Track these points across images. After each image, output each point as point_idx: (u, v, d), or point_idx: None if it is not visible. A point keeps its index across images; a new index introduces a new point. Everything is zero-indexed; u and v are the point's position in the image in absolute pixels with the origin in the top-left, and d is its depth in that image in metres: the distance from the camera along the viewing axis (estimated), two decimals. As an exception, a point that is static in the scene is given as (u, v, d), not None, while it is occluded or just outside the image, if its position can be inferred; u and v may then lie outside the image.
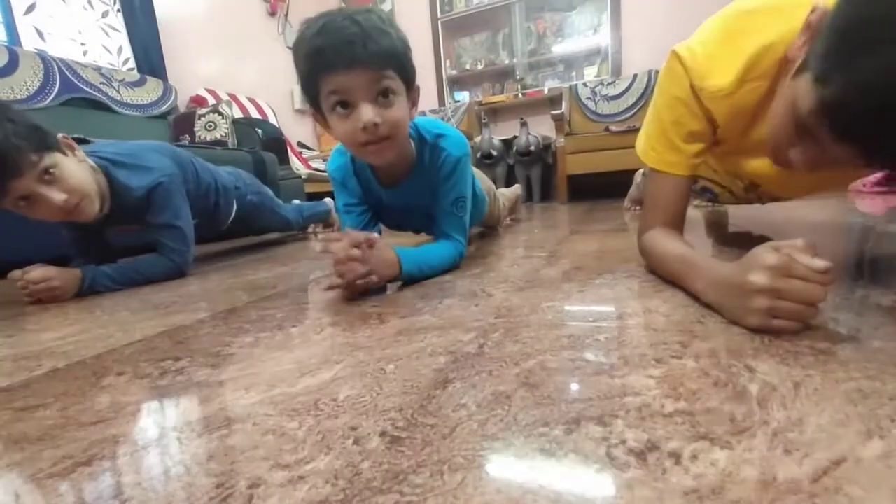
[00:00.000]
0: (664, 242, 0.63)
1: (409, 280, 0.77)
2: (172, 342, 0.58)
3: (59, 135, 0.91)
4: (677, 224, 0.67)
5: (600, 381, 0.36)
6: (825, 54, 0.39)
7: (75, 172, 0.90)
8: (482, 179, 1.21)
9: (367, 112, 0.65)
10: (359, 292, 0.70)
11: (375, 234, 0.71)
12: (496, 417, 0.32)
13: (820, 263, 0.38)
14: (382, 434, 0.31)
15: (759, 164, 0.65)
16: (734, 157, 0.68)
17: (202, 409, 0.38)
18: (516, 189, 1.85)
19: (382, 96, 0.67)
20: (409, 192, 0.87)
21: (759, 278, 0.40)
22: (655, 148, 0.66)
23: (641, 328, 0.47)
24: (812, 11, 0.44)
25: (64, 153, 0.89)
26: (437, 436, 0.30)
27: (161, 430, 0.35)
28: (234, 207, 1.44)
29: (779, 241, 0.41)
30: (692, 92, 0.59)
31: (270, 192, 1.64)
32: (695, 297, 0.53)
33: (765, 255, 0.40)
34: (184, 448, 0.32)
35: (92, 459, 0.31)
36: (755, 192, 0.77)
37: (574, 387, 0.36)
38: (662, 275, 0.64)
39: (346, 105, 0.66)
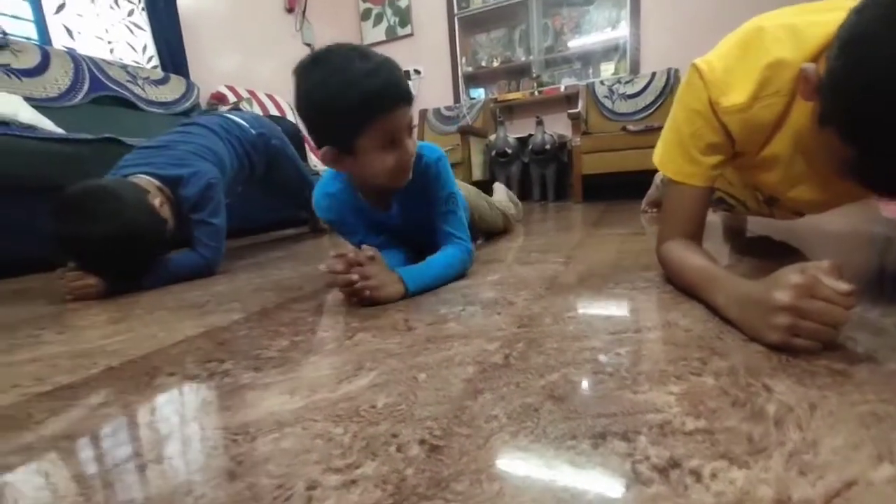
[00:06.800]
0: (683, 254, 0.64)
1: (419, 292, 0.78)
2: (214, 343, 0.61)
3: (149, 188, 1.04)
4: (696, 234, 0.68)
5: (623, 397, 0.38)
6: (840, 113, 0.44)
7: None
8: (464, 188, 1.21)
9: (411, 146, 0.75)
10: (366, 302, 0.72)
11: (373, 250, 0.72)
12: (526, 429, 0.34)
13: (844, 286, 0.39)
14: (422, 442, 0.34)
15: (773, 179, 0.66)
16: (751, 170, 0.69)
17: (253, 411, 0.41)
18: (511, 201, 1.75)
19: (409, 128, 0.75)
20: (404, 205, 0.88)
21: (783, 295, 0.41)
22: (674, 159, 0.67)
23: (661, 342, 0.49)
24: (803, 69, 0.48)
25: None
26: (472, 445, 0.33)
27: (218, 430, 0.38)
28: (265, 159, 1.56)
29: (805, 262, 0.43)
30: (710, 106, 0.60)
31: (290, 145, 1.71)
32: (713, 311, 0.55)
33: (790, 274, 0.42)
34: (241, 449, 0.35)
35: (161, 458, 0.35)
36: (775, 205, 0.78)
37: (598, 401, 0.38)
38: (681, 286, 0.65)
39: (393, 141, 0.72)
